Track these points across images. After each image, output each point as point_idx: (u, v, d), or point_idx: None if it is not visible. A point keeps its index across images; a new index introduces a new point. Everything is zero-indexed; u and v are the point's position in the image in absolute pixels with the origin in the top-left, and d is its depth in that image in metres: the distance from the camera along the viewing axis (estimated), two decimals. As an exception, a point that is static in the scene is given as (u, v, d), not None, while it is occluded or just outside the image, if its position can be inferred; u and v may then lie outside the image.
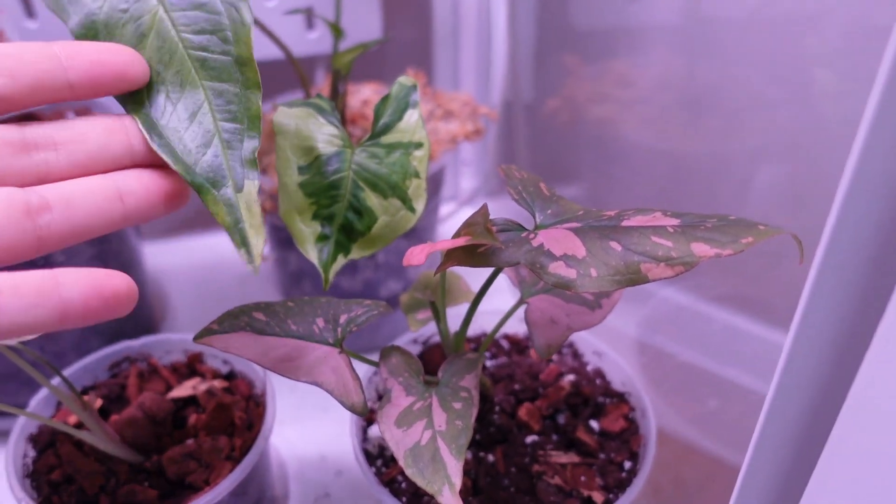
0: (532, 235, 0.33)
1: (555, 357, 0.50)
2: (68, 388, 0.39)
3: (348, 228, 0.39)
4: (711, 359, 0.56)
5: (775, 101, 0.54)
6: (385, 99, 0.41)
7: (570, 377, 0.47)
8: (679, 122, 0.63)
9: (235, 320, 0.38)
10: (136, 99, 0.33)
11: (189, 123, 0.34)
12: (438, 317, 0.40)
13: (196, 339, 0.37)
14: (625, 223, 0.32)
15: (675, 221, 0.31)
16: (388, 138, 0.40)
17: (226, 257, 0.73)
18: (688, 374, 0.57)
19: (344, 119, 0.58)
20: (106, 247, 0.55)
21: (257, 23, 0.50)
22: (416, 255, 0.32)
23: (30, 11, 0.60)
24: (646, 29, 0.65)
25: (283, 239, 0.60)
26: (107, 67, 0.29)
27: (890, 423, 0.21)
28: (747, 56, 0.55)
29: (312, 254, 0.39)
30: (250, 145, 0.34)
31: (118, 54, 0.29)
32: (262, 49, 0.67)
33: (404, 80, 0.41)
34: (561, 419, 0.45)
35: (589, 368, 0.49)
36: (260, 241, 0.33)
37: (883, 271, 0.23)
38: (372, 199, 0.39)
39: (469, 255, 0.33)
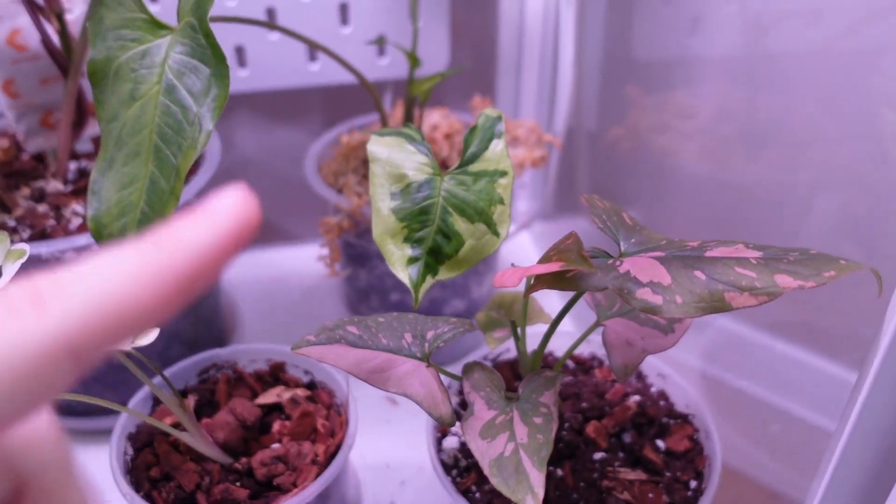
0: (618, 262, 0.35)
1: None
2: (169, 389, 0.42)
3: (437, 251, 0.42)
4: (769, 387, 0.58)
5: (837, 137, 0.55)
6: (473, 129, 0.43)
7: (636, 397, 0.49)
8: (738, 153, 0.65)
9: (331, 333, 0.40)
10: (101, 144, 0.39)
11: (119, 190, 0.38)
12: (518, 336, 0.43)
13: (294, 349, 0.40)
14: (708, 254, 0.34)
15: (758, 254, 0.33)
16: (475, 167, 0.43)
17: (293, 271, 0.76)
18: (746, 401, 0.58)
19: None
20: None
21: (331, 54, 0.53)
22: (510, 278, 0.35)
23: None
24: (706, 61, 0.67)
25: (353, 256, 0.63)
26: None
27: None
28: (810, 91, 0.56)
29: (403, 275, 0.41)
30: None
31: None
32: (338, 74, 0.70)
33: (490, 111, 0.44)
34: (627, 438, 0.47)
35: (653, 390, 0.51)
36: None
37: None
38: (459, 224, 0.42)
39: (559, 279, 0.35)
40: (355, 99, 0.73)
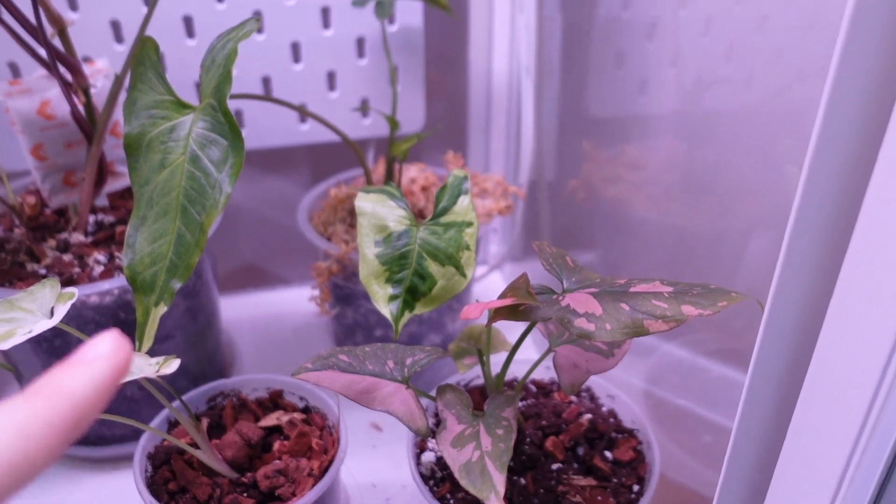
0: (561, 297, 0.43)
1: (574, 399, 0.59)
2: (186, 412, 0.49)
3: (414, 290, 0.49)
4: (704, 404, 0.65)
5: (764, 188, 0.64)
6: (444, 187, 0.52)
7: (588, 416, 0.57)
8: (681, 201, 0.74)
9: (325, 360, 0.48)
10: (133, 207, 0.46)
11: (151, 243, 0.46)
12: (483, 362, 0.50)
13: (294, 374, 0.47)
14: (632, 289, 0.42)
15: (670, 289, 0.42)
16: (445, 219, 0.51)
17: (285, 311, 0.84)
18: (684, 417, 0.66)
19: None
20: (196, 300, 0.65)
21: (320, 119, 0.62)
22: (473, 311, 0.42)
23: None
24: (653, 118, 0.75)
25: (341, 296, 0.70)
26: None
27: (826, 441, 0.31)
28: (741, 146, 0.65)
29: (385, 310, 0.49)
30: (178, 283, 0.46)
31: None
32: (326, 133, 0.79)
33: (458, 172, 0.52)
34: (580, 450, 0.54)
35: (603, 409, 0.58)
36: (148, 344, 0.47)
37: (812, 332, 0.33)
38: (433, 267, 0.49)
39: (513, 312, 0.43)
40: (340, 155, 0.82)
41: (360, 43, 0.77)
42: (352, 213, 0.71)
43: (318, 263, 0.65)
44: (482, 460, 0.44)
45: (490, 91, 0.83)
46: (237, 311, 0.81)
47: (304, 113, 0.61)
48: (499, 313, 0.43)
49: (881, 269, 0.28)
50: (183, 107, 0.47)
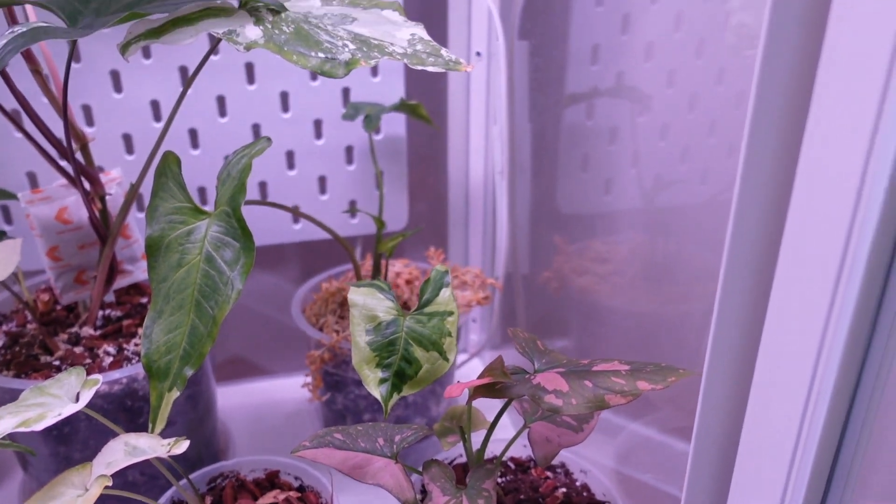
0: (532, 377, 0.49)
1: (550, 474, 0.64)
2: (192, 490, 0.53)
3: (401, 373, 0.55)
4: (666, 477, 0.70)
5: (717, 274, 0.70)
6: (427, 281, 0.58)
7: (563, 490, 0.61)
8: (644, 289, 0.80)
9: (322, 438, 0.52)
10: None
11: (166, 334, 0.52)
12: (465, 438, 0.55)
13: (293, 452, 0.52)
14: (594, 368, 0.48)
15: (627, 367, 0.47)
16: (429, 309, 0.57)
17: (276, 399, 0.88)
18: (650, 489, 0.71)
19: (384, 289, 0.75)
20: (196, 389, 0.70)
21: (313, 220, 0.68)
22: (455, 390, 0.48)
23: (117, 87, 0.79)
24: (617, 214, 0.83)
25: (331, 383, 0.75)
26: None
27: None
28: (697, 236, 0.71)
29: (376, 392, 0.54)
30: (190, 370, 0.52)
31: None
32: (316, 232, 0.85)
33: (440, 267, 0.59)
34: (557, 522, 0.59)
35: (577, 483, 0.63)
36: (161, 426, 0.52)
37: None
38: (418, 352, 0.55)
39: (490, 390, 0.48)
40: (329, 251, 0.88)
41: (349, 151, 0.85)
42: (342, 305, 0.76)
43: (312, 352, 0.71)
44: (466, 528, 0.49)
45: (468, 191, 0.91)
46: (232, 399, 0.86)
47: (299, 215, 0.67)
48: (478, 391, 0.49)
49: (791, 351, 0.34)
50: (199, 213, 0.54)
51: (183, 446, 0.50)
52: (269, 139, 0.56)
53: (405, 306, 0.77)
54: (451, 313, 0.57)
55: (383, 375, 0.55)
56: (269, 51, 0.51)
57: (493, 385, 0.48)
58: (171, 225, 0.53)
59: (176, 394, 0.51)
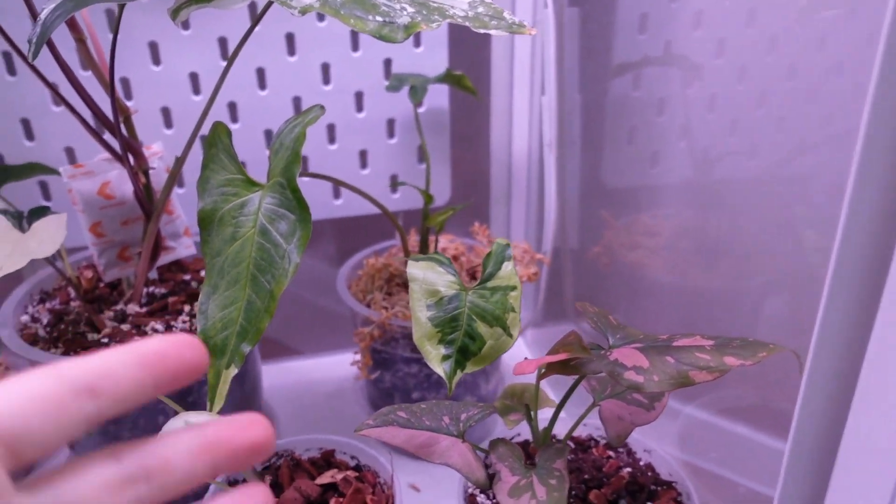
0: (608, 353, 0.47)
1: (612, 454, 0.62)
2: (251, 468, 0.52)
3: (465, 350, 0.53)
4: (731, 461, 0.68)
5: (778, 250, 0.68)
6: (489, 255, 0.56)
7: (627, 469, 0.59)
8: (696, 264, 0.78)
9: (385, 417, 0.51)
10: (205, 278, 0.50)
11: (222, 310, 0.50)
12: (531, 417, 0.53)
13: (356, 430, 0.50)
14: (675, 344, 0.46)
15: (711, 342, 0.45)
16: (491, 283, 0.55)
17: (316, 378, 0.86)
18: (713, 473, 0.69)
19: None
20: (244, 367, 0.68)
21: (363, 193, 0.66)
22: (527, 367, 0.46)
23: (155, 59, 0.77)
24: (665, 187, 0.80)
25: (379, 361, 0.73)
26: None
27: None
28: (752, 211, 0.69)
29: (439, 369, 0.52)
30: (248, 347, 0.50)
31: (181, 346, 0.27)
32: (357, 208, 0.83)
33: (501, 241, 0.57)
34: (622, 503, 0.57)
35: (641, 463, 0.61)
36: (219, 404, 0.50)
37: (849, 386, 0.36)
38: (482, 328, 0.53)
39: (564, 366, 0.46)
40: (368, 228, 0.86)
41: (391, 124, 0.83)
42: (389, 282, 0.74)
43: (361, 329, 0.69)
44: (538, 510, 0.47)
45: (511, 165, 0.89)
46: (275, 379, 0.84)
47: (348, 188, 0.65)
48: (551, 368, 0.47)
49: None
50: (252, 184, 0.52)
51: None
52: (321, 107, 0.53)
53: (453, 283, 0.74)
54: (514, 288, 0.55)
55: (446, 352, 0.53)
56: (325, 14, 0.49)
57: (568, 361, 0.46)
58: (223, 197, 0.51)
59: (234, 371, 0.50)
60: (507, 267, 0.55)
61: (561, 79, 0.79)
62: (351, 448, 0.60)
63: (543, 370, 0.48)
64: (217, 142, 0.53)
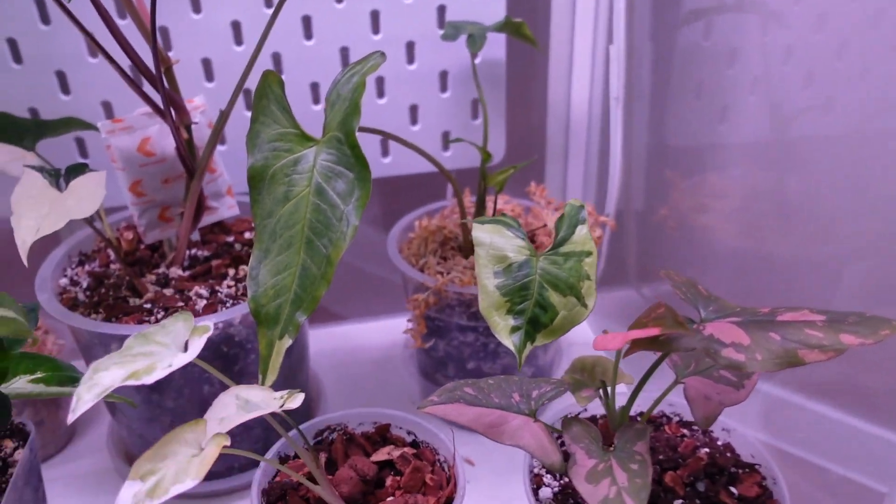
0: (702, 327, 0.42)
1: (687, 432, 0.58)
2: (305, 444, 0.48)
3: (535, 321, 0.48)
4: (815, 447, 0.63)
5: (861, 212, 0.62)
6: (561, 217, 0.51)
7: (705, 450, 0.55)
8: (770, 229, 0.72)
9: (451, 393, 0.47)
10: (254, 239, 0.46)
11: (274, 276, 0.46)
12: (607, 395, 0.49)
13: (420, 408, 0.46)
14: (779, 318, 0.41)
15: (822, 317, 0.40)
16: (564, 248, 0.50)
17: (363, 345, 0.83)
18: (789, 457, 0.64)
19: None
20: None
21: (419, 150, 0.61)
22: (612, 342, 0.41)
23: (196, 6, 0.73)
24: (735, 145, 0.74)
25: (433, 328, 0.69)
26: None
27: None
28: (832, 171, 0.63)
29: (507, 341, 0.48)
30: (303, 316, 0.46)
31: None
32: (406, 166, 0.79)
33: (574, 202, 0.52)
34: (701, 486, 0.53)
35: (719, 443, 0.56)
36: (272, 378, 0.46)
37: None
38: (554, 297, 0.49)
39: (653, 342, 0.42)
40: (416, 187, 0.82)
41: (444, 76, 0.78)
42: (443, 245, 0.70)
43: (415, 296, 0.65)
44: (620, 496, 0.42)
45: (569, 120, 0.83)
46: (321, 345, 0.81)
47: (402, 143, 0.60)
48: (638, 344, 0.42)
49: None
50: (307, 139, 0.47)
51: (298, 400, 0.45)
52: (382, 53, 0.49)
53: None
54: (588, 253, 0.50)
55: (515, 323, 0.48)
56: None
57: (658, 337, 0.41)
58: (275, 153, 0.47)
59: (288, 342, 0.46)
60: (582, 231, 0.51)
61: (630, 26, 0.73)
62: (407, 423, 0.56)
63: (628, 346, 0.44)
64: (268, 92, 0.48)
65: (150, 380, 0.38)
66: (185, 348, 0.42)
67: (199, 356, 0.53)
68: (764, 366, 0.39)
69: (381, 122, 0.78)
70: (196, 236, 0.69)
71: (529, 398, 0.47)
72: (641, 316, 0.43)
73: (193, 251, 0.67)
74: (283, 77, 0.74)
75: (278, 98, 0.48)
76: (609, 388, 0.49)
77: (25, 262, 0.49)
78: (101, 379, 0.38)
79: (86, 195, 0.54)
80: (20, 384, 0.45)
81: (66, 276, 0.64)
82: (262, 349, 0.46)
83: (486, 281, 0.49)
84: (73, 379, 0.46)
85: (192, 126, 0.62)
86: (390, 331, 0.86)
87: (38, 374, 0.46)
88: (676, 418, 0.59)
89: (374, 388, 0.77)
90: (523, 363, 0.69)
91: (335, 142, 0.46)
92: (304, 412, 0.71)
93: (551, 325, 0.49)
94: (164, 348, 0.41)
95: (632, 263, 0.81)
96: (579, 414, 0.58)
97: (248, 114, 0.73)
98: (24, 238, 0.50)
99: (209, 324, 0.42)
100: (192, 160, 0.61)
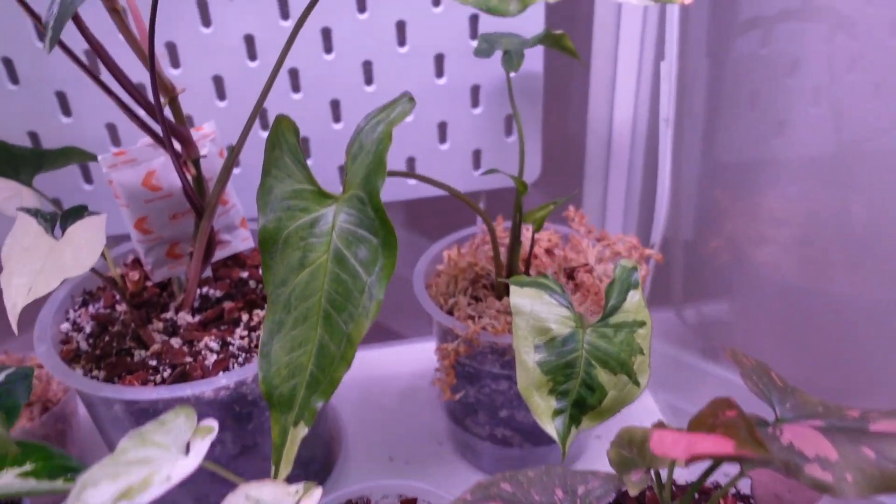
0: (778, 431, 0.36)
1: (745, 509, 0.52)
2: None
3: (581, 403, 0.43)
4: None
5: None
6: (612, 283, 0.45)
7: (767, 534, 0.49)
8: (833, 262, 0.65)
9: (486, 490, 0.41)
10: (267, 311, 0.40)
11: (288, 353, 0.40)
12: (661, 485, 0.43)
13: (450, 505, 0.41)
14: (873, 427, 0.35)
15: (929, 431, 0.34)
16: (615, 319, 0.44)
17: (389, 372, 0.78)
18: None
19: (528, 263, 0.62)
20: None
21: (449, 188, 0.55)
22: (673, 450, 0.35)
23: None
24: (792, 161, 0.67)
25: (464, 374, 0.64)
26: None
27: None
28: None
29: (549, 427, 0.43)
30: (320, 402, 0.40)
31: None
32: (436, 189, 0.73)
33: (626, 262, 0.46)
34: (762, 578, 0.47)
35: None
36: (286, 471, 0.40)
37: None
38: (602, 376, 0.43)
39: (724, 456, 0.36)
40: (443, 211, 0.76)
41: (475, 91, 0.71)
42: (474, 284, 0.64)
43: (445, 345, 0.59)
44: None
45: (610, 139, 0.77)
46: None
47: (423, 180, 0.54)
48: (703, 456, 0.36)
49: None
50: (324, 196, 0.42)
51: (315, 495, 0.40)
52: (410, 98, 0.43)
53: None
54: (642, 323, 0.44)
55: (558, 406, 0.43)
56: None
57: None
58: (288, 213, 0.41)
59: (304, 430, 0.41)
60: (635, 297, 0.45)
61: (684, 40, 0.66)
62: (433, 496, 0.51)
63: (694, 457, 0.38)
64: (281, 142, 0.43)
65: (146, 498, 0.33)
66: (187, 450, 0.37)
67: (211, 415, 0.48)
68: (856, 489, 0.33)
69: (407, 141, 0.72)
70: (208, 271, 0.64)
71: (574, 495, 0.41)
72: (705, 412, 0.37)
73: (205, 289, 0.62)
74: (301, 94, 0.68)
75: (293, 149, 0.42)
76: (662, 472, 0.44)
77: (16, 330, 0.45)
78: (89, 499, 0.33)
79: (84, 244, 0.49)
80: (8, 479, 0.40)
81: (68, 319, 0.59)
82: (274, 437, 0.41)
83: (525, 356, 0.43)
84: (66, 468, 0.41)
85: (202, 158, 0.56)
86: (417, 356, 0.81)
87: (28, 467, 0.41)
88: (732, 492, 0.53)
89: (398, 426, 0.72)
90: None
91: (357, 202, 0.40)
92: (323, 457, 0.67)
93: (599, 407, 0.43)
94: (162, 451, 0.36)
95: (677, 287, 0.75)
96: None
97: (265, 134, 0.68)
98: (15, 301, 0.45)
99: (213, 426, 0.37)
100: (200, 198, 0.55)
